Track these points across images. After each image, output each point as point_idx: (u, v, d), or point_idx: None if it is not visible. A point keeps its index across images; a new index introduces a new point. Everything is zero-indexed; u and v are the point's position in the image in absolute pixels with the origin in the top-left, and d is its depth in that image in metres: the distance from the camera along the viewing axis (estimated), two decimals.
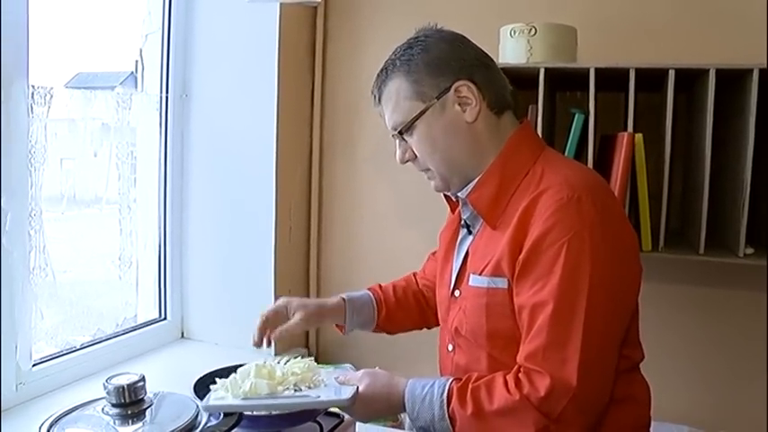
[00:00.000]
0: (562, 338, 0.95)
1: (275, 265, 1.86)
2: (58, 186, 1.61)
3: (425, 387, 1.03)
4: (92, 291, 1.77)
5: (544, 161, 1.08)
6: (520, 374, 0.97)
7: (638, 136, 1.35)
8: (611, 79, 1.44)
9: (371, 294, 1.38)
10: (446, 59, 1.08)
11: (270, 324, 1.26)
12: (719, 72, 1.34)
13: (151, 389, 1.01)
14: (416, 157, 1.14)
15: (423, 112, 1.08)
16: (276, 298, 1.85)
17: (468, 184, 1.12)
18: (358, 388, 1.08)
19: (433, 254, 1.42)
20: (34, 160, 1.41)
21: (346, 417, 1.31)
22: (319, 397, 1.09)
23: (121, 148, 1.71)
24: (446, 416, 1.00)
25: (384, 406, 1.08)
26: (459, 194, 1.15)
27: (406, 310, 1.39)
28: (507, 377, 0.98)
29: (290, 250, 1.95)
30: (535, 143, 1.14)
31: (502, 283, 1.04)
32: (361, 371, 1.13)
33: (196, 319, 1.96)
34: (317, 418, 1.23)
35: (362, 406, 1.08)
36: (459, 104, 1.08)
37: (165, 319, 1.92)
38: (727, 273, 1.60)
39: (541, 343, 0.96)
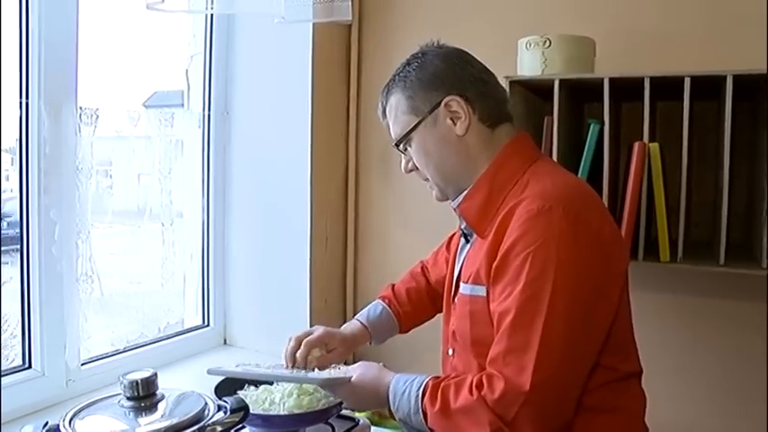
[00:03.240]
0: (521, 345, 0.97)
1: (311, 276, 1.93)
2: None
3: (407, 382, 1.10)
4: (140, 299, 1.89)
5: (532, 172, 1.11)
6: (483, 377, 1.01)
7: (654, 145, 1.34)
8: (638, 89, 1.43)
9: (389, 310, 1.44)
10: (439, 76, 1.13)
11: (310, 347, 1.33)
12: (741, 79, 1.31)
13: (187, 389, 1.08)
14: (418, 167, 1.20)
15: (416, 126, 1.14)
16: (311, 307, 1.94)
17: (461, 194, 1.16)
18: (351, 378, 1.17)
19: (447, 246, 1.47)
20: (81, 175, 1.53)
21: (361, 420, 1.36)
22: (306, 375, 1.22)
23: (166, 164, 1.83)
24: (420, 410, 1.06)
25: (371, 395, 1.15)
26: (452, 204, 1.19)
27: (422, 309, 1.47)
28: (474, 378, 1.02)
29: (326, 261, 2.01)
30: (528, 154, 1.16)
31: (482, 291, 1.08)
32: (359, 362, 1.21)
33: (238, 327, 2.05)
34: (330, 420, 1.29)
35: (352, 393, 1.17)
36: (451, 118, 1.13)
37: (207, 326, 2.02)
38: (753, 285, 1.53)
39: (502, 348, 1.00)
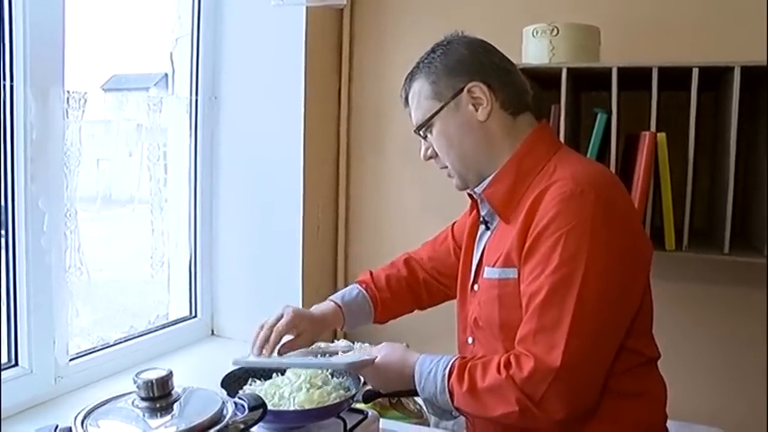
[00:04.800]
0: (551, 324, 0.98)
1: (303, 264, 1.89)
2: (94, 187, 1.67)
3: (432, 362, 1.10)
4: (125, 289, 1.83)
5: (558, 158, 1.12)
6: (511, 356, 1.02)
7: (661, 135, 1.34)
8: (639, 78, 1.44)
9: (366, 294, 1.41)
10: (464, 62, 1.14)
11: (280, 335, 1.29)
12: (746, 70, 1.33)
13: (181, 384, 1.04)
14: (437, 154, 1.19)
15: (439, 111, 1.15)
16: (304, 296, 1.91)
17: (484, 180, 1.16)
18: (375, 359, 1.17)
19: (453, 235, 1.44)
20: (69, 162, 1.46)
21: (370, 413, 1.34)
22: (330, 361, 1.21)
23: (153, 150, 1.76)
24: (446, 390, 1.06)
25: (396, 376, 1.15)
26: (475, 190, 1.18)
27: (400, 299, 1.43)
28: (501, 358, 1.03)
29: (318, 248, 1.98)
30: (551, 142, 1.17)
31: (512, 273, 1.08)
32: (383, 343, 1.20)
33: (226, 317, 2.00)
34: (341, 414, 1.26)
35: (376, 374, 1.17)
36: (473, 104, 1.13)
37: (195, 316, 1.96)
38: (757, 272, 1.57)
39: (532, 327, 1.00)
